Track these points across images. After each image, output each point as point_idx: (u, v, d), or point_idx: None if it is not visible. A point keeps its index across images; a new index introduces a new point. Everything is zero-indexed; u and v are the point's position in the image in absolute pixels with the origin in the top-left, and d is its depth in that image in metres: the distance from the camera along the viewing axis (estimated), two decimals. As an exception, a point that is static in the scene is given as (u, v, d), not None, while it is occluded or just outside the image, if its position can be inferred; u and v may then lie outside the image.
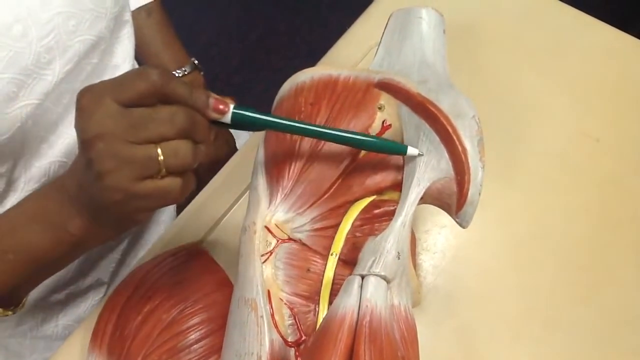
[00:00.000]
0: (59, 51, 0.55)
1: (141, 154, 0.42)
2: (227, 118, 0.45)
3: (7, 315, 0.56)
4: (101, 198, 0.43)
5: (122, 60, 0.66)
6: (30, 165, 0.60)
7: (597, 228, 0.68)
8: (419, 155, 0.49)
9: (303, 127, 0.47)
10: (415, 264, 0.51)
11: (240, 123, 0.46)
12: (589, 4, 0.90)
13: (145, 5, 0.81)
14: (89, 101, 0.42)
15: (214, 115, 0.45)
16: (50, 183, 0.49)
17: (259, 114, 0.46)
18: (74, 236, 0.48)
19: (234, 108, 0.45)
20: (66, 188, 0.47)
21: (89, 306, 0.77)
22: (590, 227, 0.68)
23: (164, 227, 0.85)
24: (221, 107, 0.45)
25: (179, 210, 0.84)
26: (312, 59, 0.75)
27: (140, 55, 0.81)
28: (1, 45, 0.50)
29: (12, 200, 0.60)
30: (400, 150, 0.49)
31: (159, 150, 0.42)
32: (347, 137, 0.48)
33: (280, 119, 0.47)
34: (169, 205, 0.48)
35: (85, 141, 0.42)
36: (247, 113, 0.45)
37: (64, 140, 0.62)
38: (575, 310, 0.64)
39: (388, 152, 0.50)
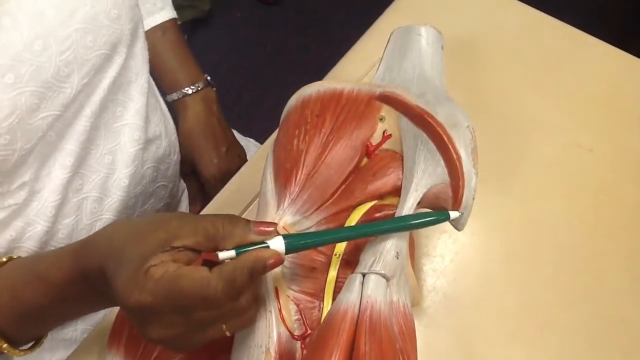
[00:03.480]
0: (77, 65, 0.58)
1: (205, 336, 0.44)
2: (278, 244, 0.44)
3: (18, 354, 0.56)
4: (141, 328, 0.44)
5: (135, 75, 0.69)
6: (53, 176, 0.62)
7: (591, 234, 0.70)
8: (460, 215, 0.50)
9: (348, 234, 0.48)
10: (414, 267, 0.54)
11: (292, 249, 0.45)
12: (589, 24, 0.93)
13: (161, 24, 0.84)
14: (148, 313, 0.42)
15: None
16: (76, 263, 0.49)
17: (306, 238, 0.46)
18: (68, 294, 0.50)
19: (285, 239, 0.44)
20: (91, 281, 0.47)
21: (106, 312, 0.80)
22: (584, 233, 0.70)
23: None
24: (267, 229, 0.44)
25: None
26: (320, 76, 0.78)
27: (155, 72, 0.83)
28: (24, 60, 0.53)
29: (34, 211, 0.61)
30: (443, 217, 0.50)
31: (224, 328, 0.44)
32: (392, 227, 0.48)
33: (325, 234, 0.47)
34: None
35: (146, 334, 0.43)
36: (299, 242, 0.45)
37: (85, 153, 0.65)
38: (569, 312, 0.66)
39: (432, 224, 0.50)
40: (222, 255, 0.42)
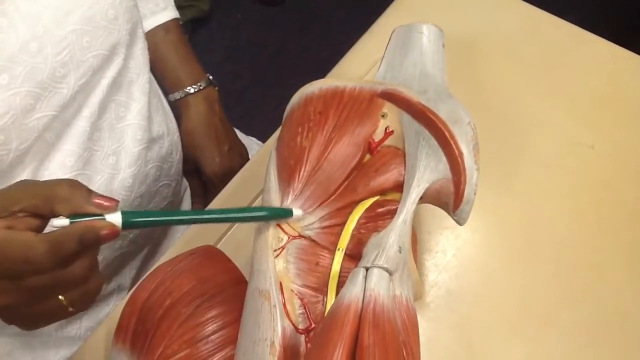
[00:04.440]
0: (73, 66, 0.59)
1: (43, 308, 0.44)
2: (115, 218, 0.43)
3: None
4: None
5: (136, 75, 0.69)
6: (53, 176, 0.62)
7: (592, 231, 0.71)
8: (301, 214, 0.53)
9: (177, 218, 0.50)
10: (416, 261, 0.54)
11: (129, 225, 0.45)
12: (591, 22, 0.93)
13: (163, 23, 0.85)
14: None
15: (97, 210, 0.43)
16: None
17: (145, 216, 0.46)
18: None
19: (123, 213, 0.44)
20: None
21: (110, 310, 0.80)
22: (585, 230, 0.71)
23: (180, 235, 0.88)
24: (105, 203, 0.44)
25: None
26: (321, 75, 0.78)
27: (157, 71, 0.84)
28: (19, 61, 0.54)
29: None
30: (286, 214, 0.53)
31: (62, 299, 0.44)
32: (233, 217, 0.52)
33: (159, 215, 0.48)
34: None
35: None
36: (136, 219, 0.45)
37: (89, 154, 0.65)
38: (570, 308, 0.67)
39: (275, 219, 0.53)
40: (56, 222, 0.42)
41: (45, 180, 0.44)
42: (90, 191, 0.44)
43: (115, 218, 0.43)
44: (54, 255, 0.41)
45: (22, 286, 0.42)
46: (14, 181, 0.58)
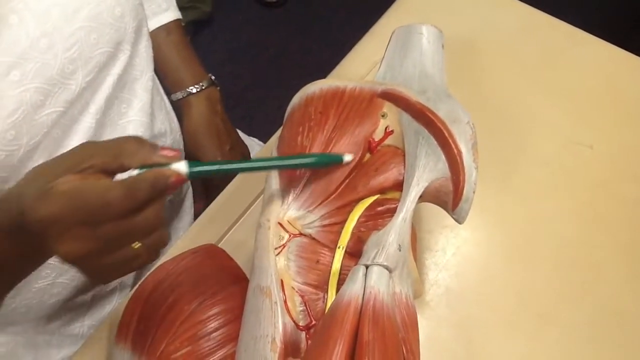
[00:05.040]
0: (82, 62, 0.60)
1: (118, 257, 0.45)
2: (181, 167, 0.46)
3: None
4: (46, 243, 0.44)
5: (140, 73, 0.70)
6: None
7: (590, 230, 0.71)
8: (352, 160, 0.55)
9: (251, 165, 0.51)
10: (416, 260, 0.55)
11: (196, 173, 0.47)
12: (589, 22, 0.94)
13: (165, 24, 0.85)
14: (56, 226, 0.43)
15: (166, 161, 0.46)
16: None
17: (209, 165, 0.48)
18: None
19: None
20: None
21: (113, 307, 0.81)
22: (584, 229, 0.71)
23: (182, 234, 0.89)
24: (170, 154, 0.46)
25: (197, 216, 0.88)
26: (322, 76, 0.78)
27: (160, 71, 0.85)
28: (30, 57, 0.55)
29: None
30: (337, 160, 0.55)
31: (136, 247, 0.45)
32: (288, 163, 0.54)
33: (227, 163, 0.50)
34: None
35: (54, 246, 0.43)
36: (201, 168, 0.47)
37: None
38: (568, 306, 0.67)
39: (326, 165, 0.55)
40: (128, 173, 0.44)
41: (111, 139, 0.46)
42: (155, 144, 0.46)
43: (180, 167, 0.45)
44: (130, 199, 0.43)
45: (99, 233, 0.43)
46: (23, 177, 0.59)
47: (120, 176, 0.45)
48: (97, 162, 0.44)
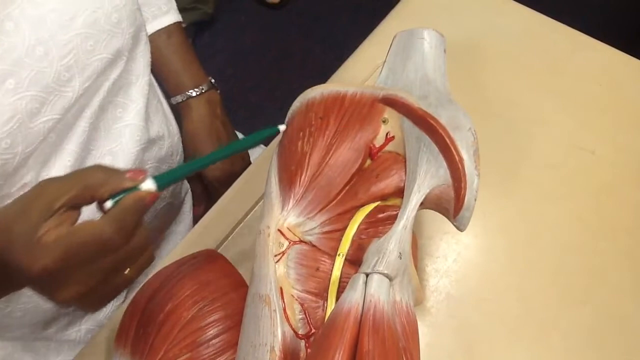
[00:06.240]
0: (78, 69, 0.59)
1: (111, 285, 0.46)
2: (149, 185, 0.46)
3: None
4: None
5: (136, 77, 0.70)
6: (53, 175, 0.61)
7: (593, 235, 0.71)
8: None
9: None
10: (417, 266, 0.54)
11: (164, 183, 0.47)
12: (592, 27, 0.93)
13: (166, 27, 0.85)
14: (55, 277, 0.43)
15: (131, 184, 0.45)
16: None
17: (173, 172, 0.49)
18: None
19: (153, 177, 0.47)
20: None
21: (109, 312, 0.81)
22: (586, 234, 0.71)
23: (181, 237, 0.88)
24: (137, 176, 0.46)
25: (196, 220, 0.88)
26: (324, 79, 0.79)
27: (160, 74, 0.85)
28: (25, 65, 0.54)
29: None
30: (271, 132, 0.57)
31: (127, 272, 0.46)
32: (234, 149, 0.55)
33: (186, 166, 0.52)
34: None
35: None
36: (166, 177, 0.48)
37: (85, 153, 0.65)
38: (572, 313, 0.67)
39: (262, 138, 0.56)
40: (107, 205, 0.44)
41: (73, 172, 0.46)
42: (120, 170, 0.46)
43: (149, 185, 0.46)
44: (122, 232, 0.43)
45: (95, 272, 0.44)
46: (18, 184, 0.58)
47: (86, 208, 0.45)
48: (67, 200, 0.43)
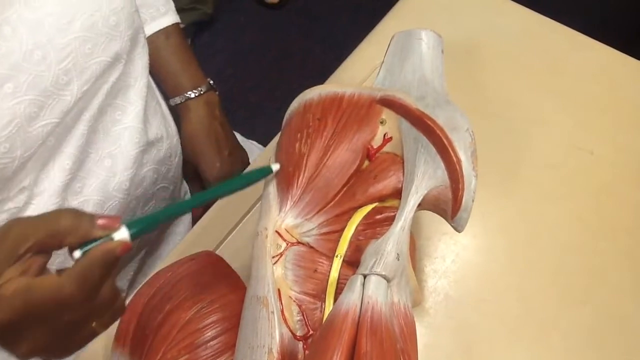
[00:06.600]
0: (77, 73, 0.59)
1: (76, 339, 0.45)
2: (123, 234, 0.43)
3: None
4: None
5: (134, 80, 0.70)
6: (52, 179, 0.62)
7: (592, 236, 0.71)
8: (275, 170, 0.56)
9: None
10: (415, 268, 0.54)
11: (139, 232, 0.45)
12: (591, 27, 0.93)
13: (164, 28, 0.85)
14: (12, 331, 0.41)
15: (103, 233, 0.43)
16: None
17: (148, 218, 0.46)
18: None
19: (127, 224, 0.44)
20: None
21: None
22: (585, 234, 0.71)
23: (179, 238, 0.88)
24: (110, 223, 0.43)
25: (195, 221, 0.88)
26: (323, 79, 0.79)
27: (158, 75, 0.84)
28: (23, 69, 0.54)
29: (34, 214, 0.61)
30: (266, 172, 0.55)
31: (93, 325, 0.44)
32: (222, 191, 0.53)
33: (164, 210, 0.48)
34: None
35: None
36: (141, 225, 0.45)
37: (84, 156, 0.65)
38: (571, 313, 0.67)
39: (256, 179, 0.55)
40: (75, 254, 0.42)
41: (42, 215, 0.43)
42: (91, 215, 0.43)
43: (122, 234, 0.43)
44: (84, 289, 0.41)
45: (56, 327, 0.42)
46: (16, 188, 0.58)
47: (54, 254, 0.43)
48: (33, 244, 0.41)
